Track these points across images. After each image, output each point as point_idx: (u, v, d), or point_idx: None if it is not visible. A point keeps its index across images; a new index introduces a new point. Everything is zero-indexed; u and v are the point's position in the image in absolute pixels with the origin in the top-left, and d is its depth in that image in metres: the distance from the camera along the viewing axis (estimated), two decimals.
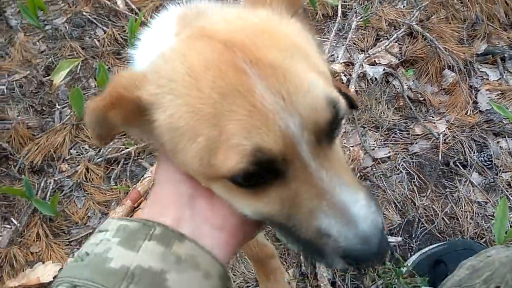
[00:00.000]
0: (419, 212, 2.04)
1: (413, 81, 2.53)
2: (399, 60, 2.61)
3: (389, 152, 2.22)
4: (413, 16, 2.64)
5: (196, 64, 0.60)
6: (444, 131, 2.25)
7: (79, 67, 2.93)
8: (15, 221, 2.27)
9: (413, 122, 2.36)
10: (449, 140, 2.22)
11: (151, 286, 0.56)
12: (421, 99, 2.45)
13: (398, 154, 2.20)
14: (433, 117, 2.36)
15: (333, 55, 2.82)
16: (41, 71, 2.94)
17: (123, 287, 0.55)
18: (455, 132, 2.25)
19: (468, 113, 2.33)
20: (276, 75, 0.57)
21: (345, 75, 2.61)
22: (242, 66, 0.57)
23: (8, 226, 2.27)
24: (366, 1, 3.04)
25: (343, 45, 2.83)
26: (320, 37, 3.04)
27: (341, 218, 0.57)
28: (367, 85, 2.56)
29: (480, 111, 2.36)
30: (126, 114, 0.67)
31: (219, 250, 0.65)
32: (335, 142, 0.65)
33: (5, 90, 2.85)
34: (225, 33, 0.63)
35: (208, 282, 0.61)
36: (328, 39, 2.97)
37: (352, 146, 2.29)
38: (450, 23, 2.62)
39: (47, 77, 2.90)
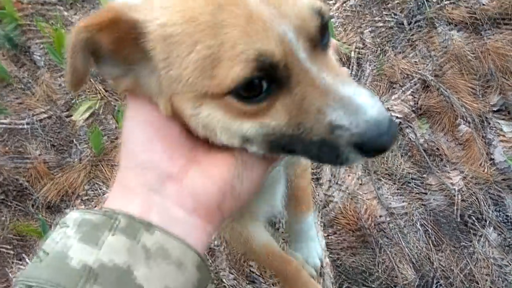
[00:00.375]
0: (434, 267, 2.01)
1: (428, 133, 2.55)
2: (413, 111, 2.65)
3: (405, 205, 2.22)
4: (426, 68, 2.70)
5: None
6: (460, 184, 2.25)
7: (99, 105, 3.01)
8: (28, 261, 2.27)
9: (428, 175, 2.37)
10: (464, 195, 2.22)
11: (118, 284, 0.52)
12: (436, 151, 2.46)
13: (414, 208, 2.20)
14: (448, 170, 2.37)
15: None
16: (62, 108, 3.03)
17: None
18: (470, 187, 2.25)
19: (484, 167, 2.34)
20: None
21: None
22: None
23: (22, 266, 2.27)
24: (379, 51, 3.12)
25: None
26: None
27: (350, 108, 0.58)
28: None
29: (496, 165, 2.36)
30: (119, 37, 0.64)
31: (193, 236, 0.60)
32: (328, 51, 0.67)
33: (26, 127, 2.93)
34: None
35: (183, 272, 0.56)
36: None
37: (367, 199, 2.29)
38: (463, 76, 2.67)
39: (68, 115, 2.98)
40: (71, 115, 2.94)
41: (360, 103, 0.58)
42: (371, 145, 0.58)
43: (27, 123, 2.93)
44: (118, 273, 0.52)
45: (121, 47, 0.65)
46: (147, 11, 0.63)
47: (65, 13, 4.41)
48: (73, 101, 3.00)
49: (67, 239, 0.54)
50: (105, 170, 2.72)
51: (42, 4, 4.80)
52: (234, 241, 1.50)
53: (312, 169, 2.56)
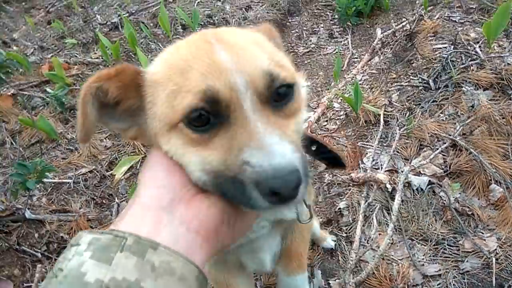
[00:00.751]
0: None
1: (459, 193, 2.57)
2: (444, 171, 2.68)
3: (439, 268, 2.21)
4: (455, 129, 2.75)
5: (183, 43, 0.84)
6: (495, 249, 2.23)
7: (139, 163, 3.19)
8: None
9: (462, 237, 2.36)
10: (501, 260, 2.19)
11: None
12: (469, 212, 2.46)
13: (448, 272, 2.18)
14: (482, 232, 2.36)
15: (377, 162, 2.94)
16: (105, 166, 3.22)
17: None
18: (507, 251, 2.22)
19: None
20: (234, 48, 0.76)
21: (390, 184, 2.70)
22: (211, 41, 0.78)
23: None
24: (408, 112, 3.21)
25: (386, 152, 2.96)
26: (364, 144, 3.20)
27: (263, 152, 0.66)
28: (413, 195, 2.62)
29: None
30: (123, 85, 0.80)
31: (194, 252, 0.68)
32: (285, 114, 0.78)
33: (71, 184, 3.12)
34: (213, 31, 0.85)
35: (184, 284, 0.63)
36: (371, 146, 3.13)
37: (400, 259, 2.29)
38: (492, 136, 2.71)
39: (110, 172, 3.17)
40: (113, 173, 3.11)
41: (274, 150, 0.66)
42: (267, 185, 0.64)
43: (73, 181, 3.12)
44: (128, 286, 0.58)
45: (126, 95, 0.82)
46: (150, 66, 0.83)
47: None
48: (116, 161, 3.18)
49: (80, 257, 0.61)
50: None
51: (87, 65, 5.22)
52: None
53: (343, 227, 2.60)
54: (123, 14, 5.97)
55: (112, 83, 0.80)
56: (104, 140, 3.46)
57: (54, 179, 3.22)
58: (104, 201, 3.04)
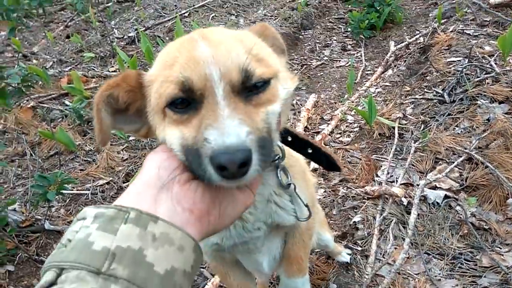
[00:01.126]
0: None
1: (476, 208, 2.55)
2: (460, 185, 2.67)
3: (456, 284, 2.19)
4: (472, 144, 2.74)
5: (174, 43, 0.95)
6: None
7: None
8: None
9: (479, 252, 2.34)
10: None
11: (132, 262, 0.64)
12: (486, 227, 2.44)
13: (465, 287, 2.16)
14: (500, 248, 2.33)
15: (392, 176, 2.94)
16: (122, 177, 3.28)
17: (106, 265, 0.63)
18: None
19: None
20: (214, 44, 0.86)
21: (405, 197, 2.69)
22: (196, 39, 0.89)
23: None
24: (423, 125, 3.21)
25: (401, 166, 2.96)
26: (378, 157, 3.20)
27: (221, 133, 0.75)
28: (429, 209, 2.61)
29: None
30: (130, 89, 0.92)
31: (189, 228, 0.74)
32: (256, 103, 0.86)
33: (89, 195, 3.18)
34: (201, 30, 0.95)
35: (183, 254, 0.70)
36: (386, 159, 3.13)
37: (416, 274, 2.28)
38: (510, 151, 2.69)
39: (126, 183, 3.22)
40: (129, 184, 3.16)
41: (230, 131, 0.75)
42: (216, 159, 0.73)
43: (91, 192, 3.18)
44: (132, 253, 0.64)
45: (134, 98, 0.93)
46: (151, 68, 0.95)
47: None
48: (133, 173, 3.23)
49: (86, 229, 0.67)
50: None
51: (104, 78, 5.34)
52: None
53: (358, 241, 2.59)
54: (140, 29, 6.11)
55: (121, 88, 0.91)
56: (121, 152, 3.53)
57: (72, 190, 3.29)
58: None
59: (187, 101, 0.84)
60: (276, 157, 1.10)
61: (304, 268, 1.59)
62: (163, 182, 0.77)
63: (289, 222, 1.27)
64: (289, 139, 1.14)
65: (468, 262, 2.30)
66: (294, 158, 1.26)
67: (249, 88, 0.86)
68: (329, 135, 3.77)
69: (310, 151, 1.17)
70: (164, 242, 0.68)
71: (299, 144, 1.16)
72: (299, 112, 4.20)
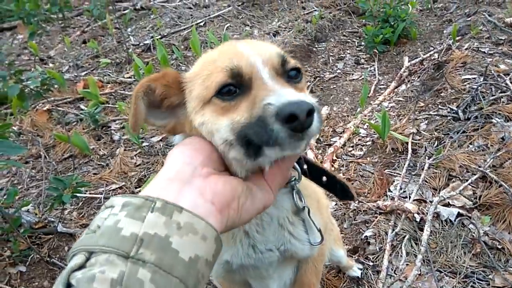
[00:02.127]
0: None
1: (489, 226, 2.53)
2: (473, 203, 2.65)
3: None
4: (486, 163, 2.73)
5: (210, 51, 1.05)
6: None
7: None
8: None
9: (492, 272, 2.31)
10: None
11: (159, 248, 0.67)
12: (499, 246, 2.42)
13: None
14: None
15: (404, 191, 2.93)
16: (134, 182, 3.31)
17: (134, 250, 0.65)
18: None
19: None
20: (253, 44, 0.99)
21: (418, 214, 2.68)
22: (235, 44, 0.99)
23: None
24: (436, 142, 3.21)
25: (415, 182, 2.95)
26: (391, 171, 3.20)
27: (280, 96, 0.81)
28: (442, 226, 2.59)
29: None
30: (167, 84, 1.00)
31: (211, 219, 0.76)
32: (297, 87, 0.95)
33: (102, 199, 3.21)
34: (241, 42, 1.04)
35: (206, 243, 0.73)
36: (399, 174, 3.12)
37: None
38: None
39: (139, 189, 3.25)
40: (141, 190, 3.19)
41: (289, 95, 0.81)
42: (284, 110, 0.77)
43: (104, 197, 3.21)
44: (159, 240, 0.67)
45: (169, 93, 1.01)
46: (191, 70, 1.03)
47: None
48: (145, 178, 3.26)
49: (115, 216, 0.69)
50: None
51: (119, 84, 5.41)
52: None
53: (369, 256, 2.58)
54: (156, 36, 6.20)
55: (159, 82, 0.99)
56: (134, 157, 3.56)
57: (85, 194, 3.32)
58: None
59: (235, 89, 0.90)
60: (293, 179, 1.12)
61: None
62: (185, 178, 0.80)
63: (302, 253, 1.28)
64: (305, 166, 1.15)
65: (481, 282, 2.28)
66: (307, 181, 1.25)
67: (287, 74, 0.96)
68: (341, 148, 3.77)
69: (324, 179, 1.18)
70: (188, 231, 0.71)
71: (314, 172, 1.17)
72: None
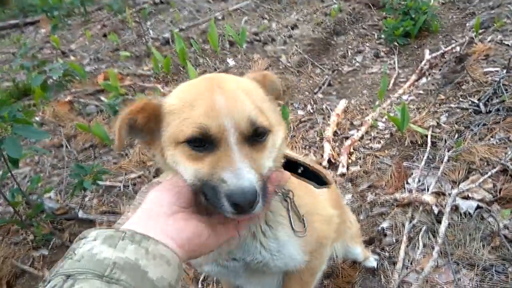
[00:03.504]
0: None
1: (509, 220, 2.48)
2: (493, 196, 2.60)
3: None
4: (507, 155, 2.68)
5: (192, 84, 1.13)
6: None
7: None
8: None
9: (511, 265, 2.27)
10: None
11: (130, 269, 0.76)
12: None
13: None
14: None
15: (422, 183, 2.90)
16: (153, 172, 3.37)
17: (108, 271, 0.74)
18: None
19: None
20: (228, 96, 1.02)
21: (436, 206, 2.65)
22: (213, 86, 1.04)
23: None
24: (457, 134, 3.15)
25: (433, 174, 2.91)
26: (409, 164, 3.16)
27: (235, 174, 0.92)
28: (460, 218, 2.56)
29: None
30: (147, 116, 1.08)
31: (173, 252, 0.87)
32: (259, 147, 1.03)
33: (121, 187, 3.28)
34: (216, 78, 1.14)
35: (170, 268, 0.83)
36: (417, 166, 3.09)
37: (444, 283, 2.24)
38: None
39: (157, 178, 3.30)
40: (159, 180, 3.24)
41: (243, 176, 0.92)
42: (232, 197, 0.90)
43: (123, 185, 3.28)
44: (130, 263, 0.77)
45: (149, 121, 1.10)
46: (168, 98, 1.11)
47: (159, 86, 5.00)
48: None
49: (90, 243, 0.79)
50: None
51: (139, 76, 5.49)
52: None
53: (385, 247, 2.57)
54: (174, 30, 6.25)
55: (140, 115, 1.09)
56: None
57: (105, 182, 3.40)
58: None
59: (204, 142, 0.99)
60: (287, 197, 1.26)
61: None
62: (152, 215, 0.92)
63: (273, 264, 1.34)
64: (283, 161, 1.23)
65: (499, 274, 2.24)
66: (305, 191, 1.35)
67: (255, 136, 1.02)
68: (359, 140, 3.75)
69: (300, 170, 1.26)
70: (155, 255, 0.81)
71: (291, 165, 1.25)
72: (328, 116, 4.20)
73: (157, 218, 0.91)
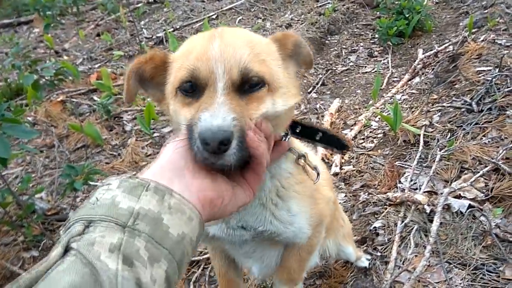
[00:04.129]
0: None
1: (501, 219, 2.48)
2: (485, 195, 2.61)
3: None
4: (499, 154, 2.68)
5: (198, 35, 1.14)
6: None
7: None
8: None
9: (502, 264, 2.27)
10: None
11: (152, 222, 0.74)
12: (511, 239, 2.37)
13: None
14: None
15: (415, 183, 2.90)
16: None
17: (131, 221, 0.72)
18: None
19: None
20: (226, 45, 1.00)
21: (428, 205, 2.65)
22: (214, 36, 1.04)
23: None
24: (449, 134, 3.16)
25: (426, 173, 2.91)
26: (402, 163, 3.16)
27: (211, 113, 0.90)
28: (452, 218, 2.56)
29: None
30: (155, 66, 1.11)
31: (196, 207, 0.85)
32: (252, 98, 1.01)
33: None
34: (224, 29, 1.11)
35: (191, 223, 0.81)
36: (409, 166, 3.09)
37: (436, 283, 2.24)
38: None
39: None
40: None
41: (218, 115, 0.90)
42: (201, 134, 0.87)
43: None
44: (153, 215, 0.75)
45: (157, 73, 1.13)
46: (175, 54, 1.13)
47: None
48: None
49: (112, 191, 0.76)
50: None
51: None
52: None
53: (378, 247, 2.57)
54: (168, 29, 6.23)
55: (147, 65, 1.11)
56: (145, 147, 3.60)
57: (97, 182, 3.37)
58: None
59: (194, 87, 1.00)
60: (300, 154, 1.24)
61: (296, 279, 1.64)
62: (177, 168, 0.88)
63: (284, 235, 1.34)
64: (298, 130, 1.23)
65: (491, 273, 2.24)
66: (304, 176, 1.33)
67: (247, 85, 1.00)
68: (352, 140, 3.74)
69: (318, 137, 1.25)
70: (177, 210, 0.79)
71: (308, 132, 1.24)
72: (322, 116, 4.20)
73: (181, 173, 0.87)
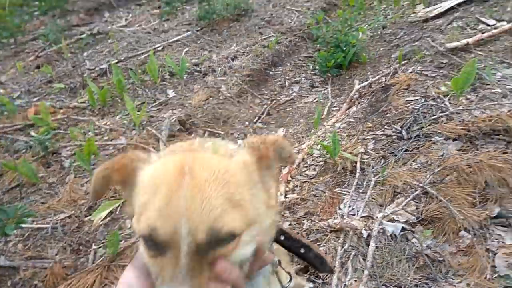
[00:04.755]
0: None
1: (431, 240, 2.64)
2: (416, 218, 2.77)
3: None
4: (426, 179, 2.88)
5: (168, 163, 1.00)
6: None
7: (118, 208, 3.20)
8: None
9: (434, 283, 2.41)
10: None
11: None
12: (440, 259, 2.53)
13: None
14: (453, 279, 2.41)
15: (353, 208, 3.02)
16: (84, 211, 3.22)
17: None
18: None
19: (487, 278, 2.38)
20: (196, 193, 0.89)
21: (365, 230, 2.77)
22: (185, 173, 0.92)
23: None
24: (382, 160, 3.35)
25: (362, 199, 3.05)
26: (341, 190, 3.29)
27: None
28: (387, 241, 2.68)
29: (499, 275, 2.40)
30: (124, 178, 1.05)
31: None
32: (216, 255, 0.91)
33: (49, 229, 3.09)
34: (194, 160, 0.98)
35: None
36: (348, 192, 3.22)
37: None
38: (461, 186, 2.83)
39: (89, 217, 3.16)
40: (91, 218, 3.11)
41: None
42: None
43: (51, 226, 3.10)
44: None
45: (126, 182, 1.06)
46: (146, 164, 1.05)
47: (93, 118, 4.86)
48: (95, 204, 3.18)
49: None
50: (118, 272, 2.80)
51: (73, 109, 5.31)
52: None
53: (319, 274, 2.62)
54: (112, 61, 6.16)
55: (115, 173, 1.06)
56: (85, 185, 3.48)
57: (31, 224, 3.20)
58: (81, 248, 3.01)
59: (156, 244, 0.90)
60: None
61: None
62: None
63: None
64: (282, 238, 1.19)
65: None
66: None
67: (215, 242, 0.89)
68: (296, 168, 3.85)
69: (302, 251, 1.21)
70: None
71: (292, 243, 1.20)
72: None
73: None
